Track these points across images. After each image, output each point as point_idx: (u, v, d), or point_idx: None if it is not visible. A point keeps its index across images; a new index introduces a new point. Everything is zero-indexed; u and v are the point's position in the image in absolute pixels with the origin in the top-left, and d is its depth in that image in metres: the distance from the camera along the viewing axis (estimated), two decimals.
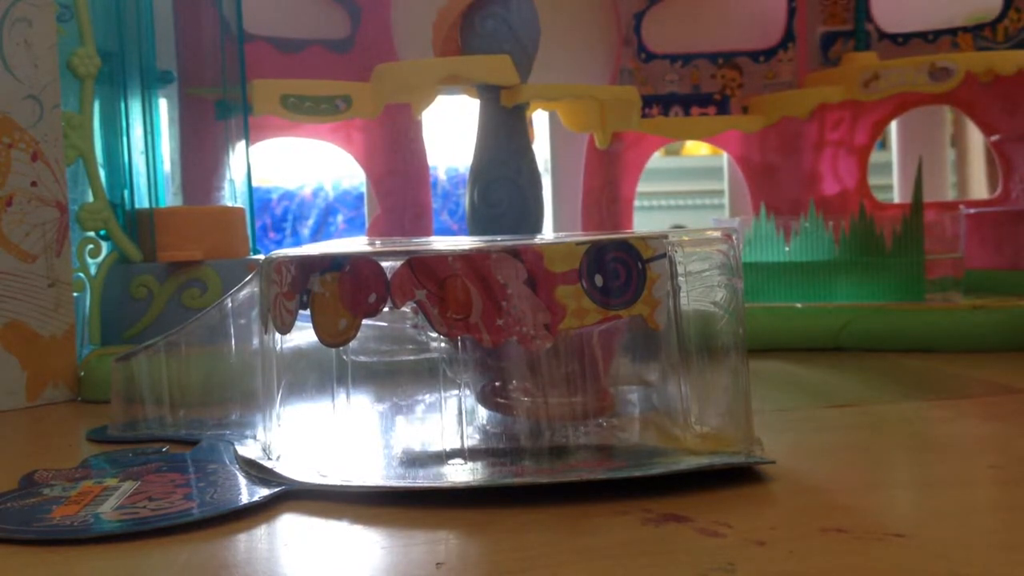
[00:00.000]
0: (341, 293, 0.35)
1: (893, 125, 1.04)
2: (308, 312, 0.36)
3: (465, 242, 0.38)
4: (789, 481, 0.35)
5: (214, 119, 0.73)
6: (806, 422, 0.46)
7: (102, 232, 0.65)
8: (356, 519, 0.32)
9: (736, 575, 0.25)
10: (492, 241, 0.37)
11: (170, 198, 0.74)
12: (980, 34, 0.93)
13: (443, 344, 0.37)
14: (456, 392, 0.37)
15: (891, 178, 1.08)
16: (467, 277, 0.34)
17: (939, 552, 0.27)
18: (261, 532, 0.31)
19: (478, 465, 0.35)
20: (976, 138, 1.20)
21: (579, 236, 0.37)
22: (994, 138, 0.91)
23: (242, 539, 0.30)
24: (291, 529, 0.31)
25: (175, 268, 0.63)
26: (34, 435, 0.51)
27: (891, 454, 0.40)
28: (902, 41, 0.96)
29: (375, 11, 0.88)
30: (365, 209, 0.90)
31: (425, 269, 0.34)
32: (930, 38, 0.95)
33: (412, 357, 0.38)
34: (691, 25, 0.99)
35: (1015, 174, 0.90)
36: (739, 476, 0.35)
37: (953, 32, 0.94)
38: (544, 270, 0.34)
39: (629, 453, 0.36)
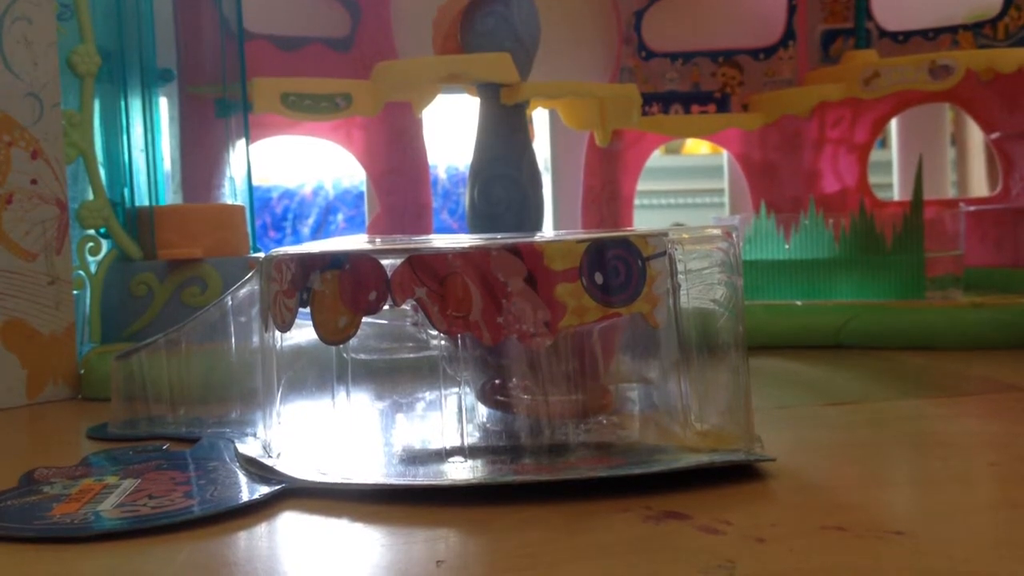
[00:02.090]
0: (341, 291, 0.35)
1: (893, 123, 1.04)
2: (308, 310, 0.36)
3: (465, 240, 0.38)
4: (789, 479, 0.35)
5: (214, 117, 0.73)
6: (806, 419, 0.46)
7: (102, 230, 0.65)
8: (356, 517, 0.32)
9: (736, 572, 0.25)
10: (492, 239, 0.37)
11: (170, 196, 0.74)
12: (980, 32, 0.93)
13: (443, 342, 0.37)
14: (456, 390, 0.37)
15: (891, 176, 1.08)
16: (467, 275, 0.34)
17: (939, 550, 0.27)
18: (261, 530, 0.31)
19: (478, 463, 0.35)
20: (976, 136, 1.20)
21: (579, 234, 0.37)
22: (994, 136, 0.91)
23: (242, 537, 0.30)
24: (291, 527, 0.31)
25: (175, 266, 0.63)
26: (34, 433, 0.51)
27: (891, 451, 0.40)
28: (902, 39, 0.96)
29: (375, 9, 0.88)
30: (365, 208, 0.90)
31: (425, 267, 0.34)
32: (930, 36, 0.95)
33: (412, 355, 0.38)
34: (691, 23, 0.99)
35: (1015, 172, 0.90)
36: (739, 474, 0.35)
37: (953, 30, 0.94)
38: (544, 268, 0.34)
39: (629, 451, 0.36)
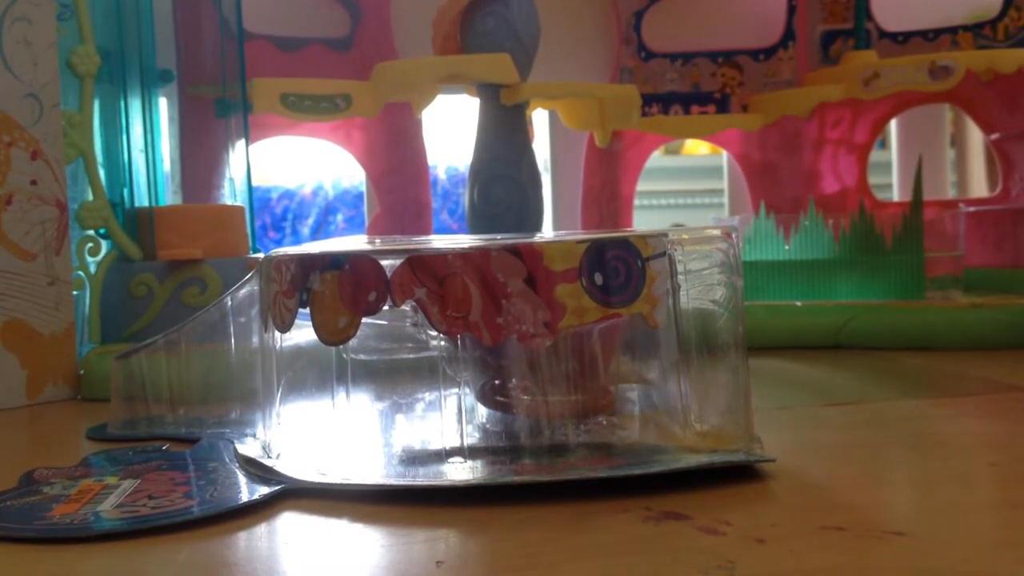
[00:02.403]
0: (341, 291, 0.35)
1: (893, 124, 1.04)
2: (308, 310, 0.36)
3: (465, 240, 0.38)
4: (789, 479, 0.35)
5: (214, 118, 0.73)
6: (806, 420, 0.46)
7: (102, 231, 0.65)
8: (356, 517, 0.32)
9: (736, 573, 0.25)
10: (492, 240, 0.37)
11: (170, 196, 0.74)
12: (980, 32, 0.93)
13: (443, 342, 0.37)
14: (456, 390, 0.37)
15: (891, 177, 1.08)
16: (467, 275, 0.34)
17: (939, 550, 0.27)
18: (261, 531, 0.31)
19: (478, 463, 0.35)
20: (976, 136, 1.20)
21: (579, 234, 0.37)
22: (994, 136, 0.91)
23: (242, 537, 0.30)
24: (291, 527, 0.31)
25: (175, 266, 0.63)
26: (34, 433, 0.51)
27: (891, 452, 0.40)
28: (902, 40, 0.96)
29: (375, 10, 0.88)
30: (365, 208, 0.90)
31: (425, 267, 0.34)
32: (930, 36, 0.95)
33: (412, 355, 0.38)
34: (691, 23, 0.99)
35: (1015, 172, 0.90)
36: (739, 474, 0.35)
37: (953, 31, 0.94)
38: (544, 268, 0.34)
39: (629, 451, 0.36)
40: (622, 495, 0.33)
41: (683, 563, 0.26)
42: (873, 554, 0.27)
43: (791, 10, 0.96)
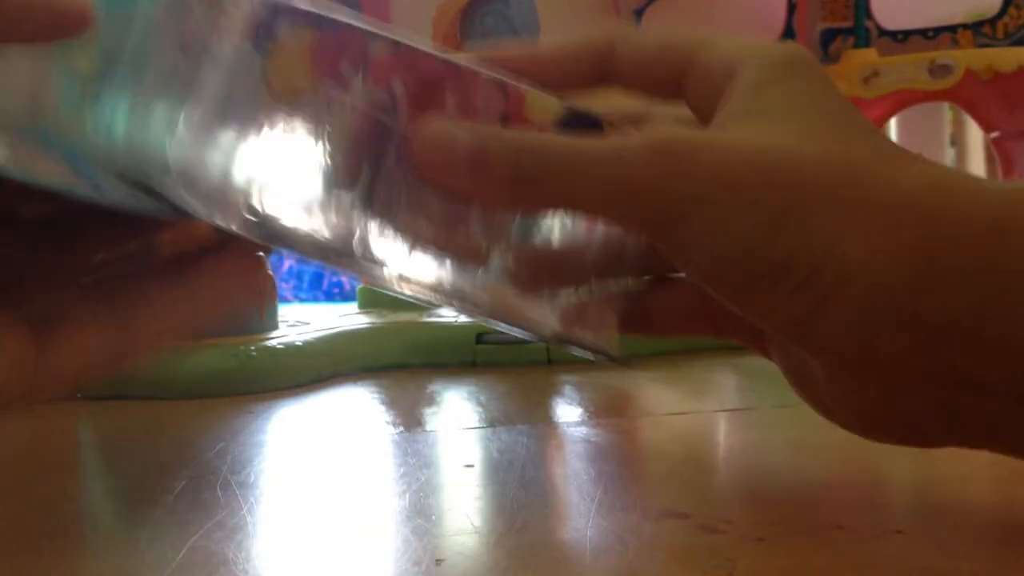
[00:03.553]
0: (310, 47, 0.29)
1: (892, 122, 1.04)
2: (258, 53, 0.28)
3: (462, 58, 0.33)
4: (789, 478, 0.35)
5: None
6: (806, 419, 0.46)
7: None
8: (352, 513, 0.32)
9: (736, 572, 0.25)
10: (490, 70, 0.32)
11: None
12: (980, 31, 0.93)
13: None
14: None
15: None
16: (448, 90, 0.31)
17: (938, 549, 0.27)
18: (256, 529, 0.31)
19: None
20: (976, 135, 1.20)
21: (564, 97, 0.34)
22: (994, 135, 0.91)
23: (239, 535, 0.30)
24: (287, 522, 0.31)
25: None
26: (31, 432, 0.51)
27: (891, 451, 0.40)
28: (902, 38, 0.96)
29: (375, 9, 0.88)
30: None
31: (410, 63, 0.31)
32: (930, 35, 0.95)
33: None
34: (691, 23, 0.99)
35: (1015, 172, 0.89)
36: (739, 474, 0.35)
37: (953, 29, 0.94)
38: (521, 114, 0.31)
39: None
40: (621, 495, 0.33)
41: (683, 562, 0.26)
42: (873, 553, 0.27)
43: (791, 8, 0.96)
